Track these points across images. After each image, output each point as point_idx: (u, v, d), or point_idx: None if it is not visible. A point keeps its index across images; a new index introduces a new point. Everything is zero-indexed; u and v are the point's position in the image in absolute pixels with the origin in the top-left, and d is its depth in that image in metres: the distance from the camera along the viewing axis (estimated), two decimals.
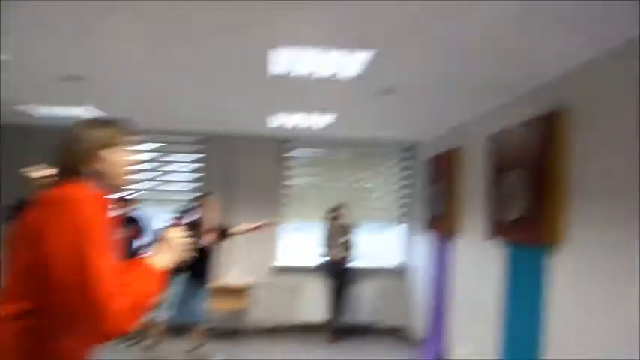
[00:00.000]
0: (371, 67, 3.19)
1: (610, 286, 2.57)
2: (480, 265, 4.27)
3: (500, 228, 3.78)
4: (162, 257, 1.57)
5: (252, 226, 5.11)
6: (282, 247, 6.56)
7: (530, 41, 2.68)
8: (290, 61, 3.09)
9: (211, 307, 5.24)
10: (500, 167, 3.82)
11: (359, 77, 3.40)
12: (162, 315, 4.79)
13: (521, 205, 3.40)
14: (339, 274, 6.02)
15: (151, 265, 1.52)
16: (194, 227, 4.52)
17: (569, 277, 2.94)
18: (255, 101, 4.42)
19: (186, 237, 1.66)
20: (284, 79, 3.50)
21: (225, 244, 5.22)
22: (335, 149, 6.67)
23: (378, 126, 5.56)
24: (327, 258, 6.05)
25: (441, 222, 5.20)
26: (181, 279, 4.73)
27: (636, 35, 2.43)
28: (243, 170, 6.43)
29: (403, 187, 6.71)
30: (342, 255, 6.01)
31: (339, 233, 6.05)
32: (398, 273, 6.69)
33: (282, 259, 6.54)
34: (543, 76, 3.24)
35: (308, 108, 4.63)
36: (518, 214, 3.43)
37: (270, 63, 3.14)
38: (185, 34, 2.77)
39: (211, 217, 4.84)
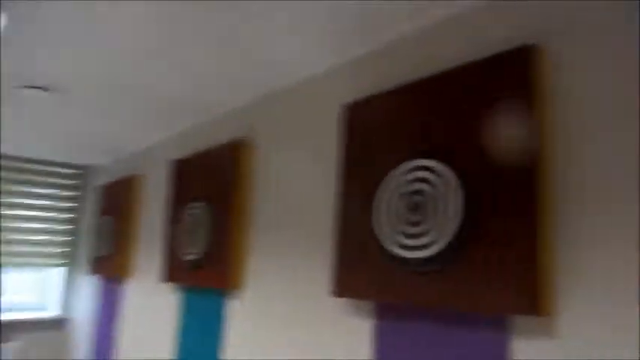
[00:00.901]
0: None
1: (287, 332, 2.32)
2: (154, 312, 3.63)
3: (177, 270, 3.24)
4: None
5: None
6: None
7: (221, 65, 2.30)
8: None
9: None
10: (182, 200, 3.32)
11: None
12: None
13: (202, 245, 2.96)
14: None
15: None
16: None
17: (247, 323, 2.61)
18: None
19: None
20: None
21: None
22: None
23: (33, 138, 4.35)
24: None
25: (112, 262, 4.35)
26: None
27: (329, 68, 2.34)
28: None
29: (67, 220, 5.52)
30: None
31: None
32: (57, 324, 5.40)
33: None
34: (234, 102, 2.94)
35: None
36: (199, 256, 2.97)
37: None
38: None
39: None
